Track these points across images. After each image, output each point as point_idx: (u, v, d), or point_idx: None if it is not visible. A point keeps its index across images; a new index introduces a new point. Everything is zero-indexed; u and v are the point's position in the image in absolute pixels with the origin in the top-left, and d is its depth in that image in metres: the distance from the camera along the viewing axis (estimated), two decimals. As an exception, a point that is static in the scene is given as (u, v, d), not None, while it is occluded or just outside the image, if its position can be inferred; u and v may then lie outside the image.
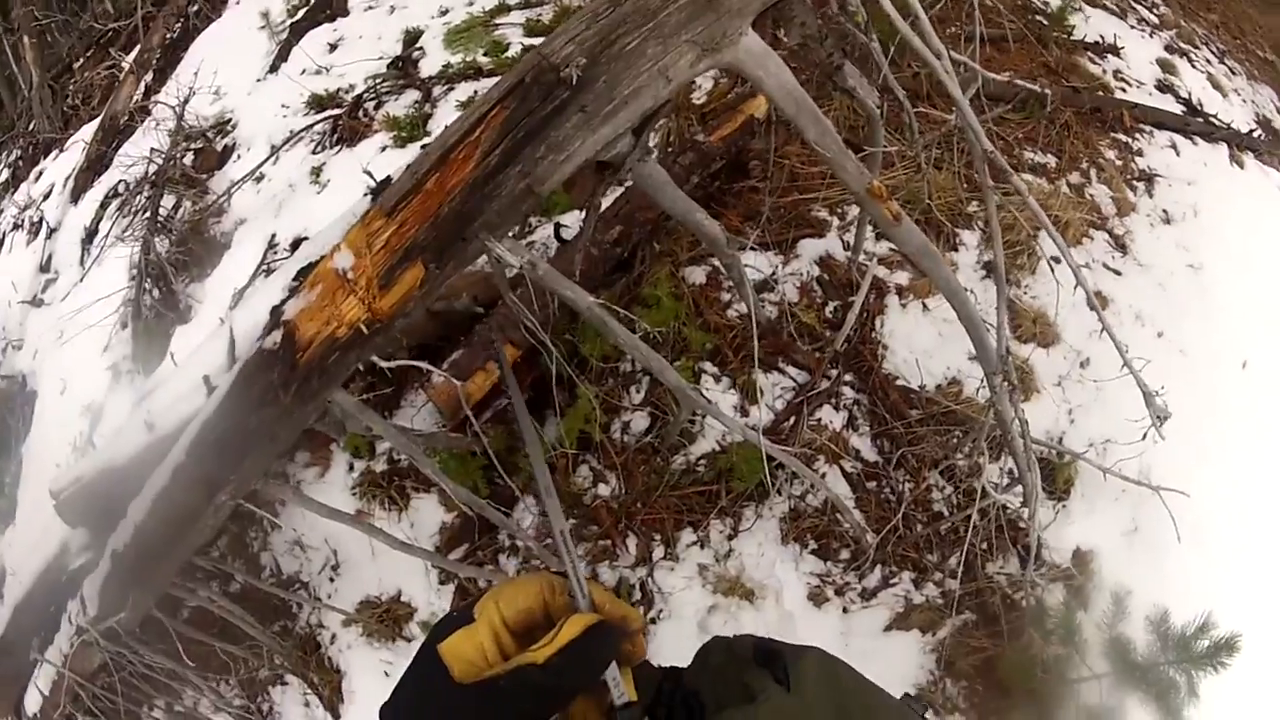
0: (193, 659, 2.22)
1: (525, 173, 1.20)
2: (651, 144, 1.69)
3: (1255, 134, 3.73)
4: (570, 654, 0.50)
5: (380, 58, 3.23)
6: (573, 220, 2.17)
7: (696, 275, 2.19)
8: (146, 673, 2.24)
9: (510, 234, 1.38)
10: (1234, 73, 4.36)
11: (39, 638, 2.32)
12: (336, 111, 2.90)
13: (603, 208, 2.15)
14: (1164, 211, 3.14)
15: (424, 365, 1.66)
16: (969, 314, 1.81)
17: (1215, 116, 3.57)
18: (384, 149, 2.67)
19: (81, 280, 3.54)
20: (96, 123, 3.81)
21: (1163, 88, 3.59)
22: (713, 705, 0.55)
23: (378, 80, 3.03)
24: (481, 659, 0.51)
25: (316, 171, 2.76)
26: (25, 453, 3.66)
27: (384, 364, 1.57)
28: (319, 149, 2.85)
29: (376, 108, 2.89)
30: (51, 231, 3.94)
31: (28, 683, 2.36)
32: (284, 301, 2.00)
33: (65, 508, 2.40)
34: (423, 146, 2.36)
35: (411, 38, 3.31)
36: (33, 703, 2.37)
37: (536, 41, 2.22)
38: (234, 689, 2.60)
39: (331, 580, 2.45)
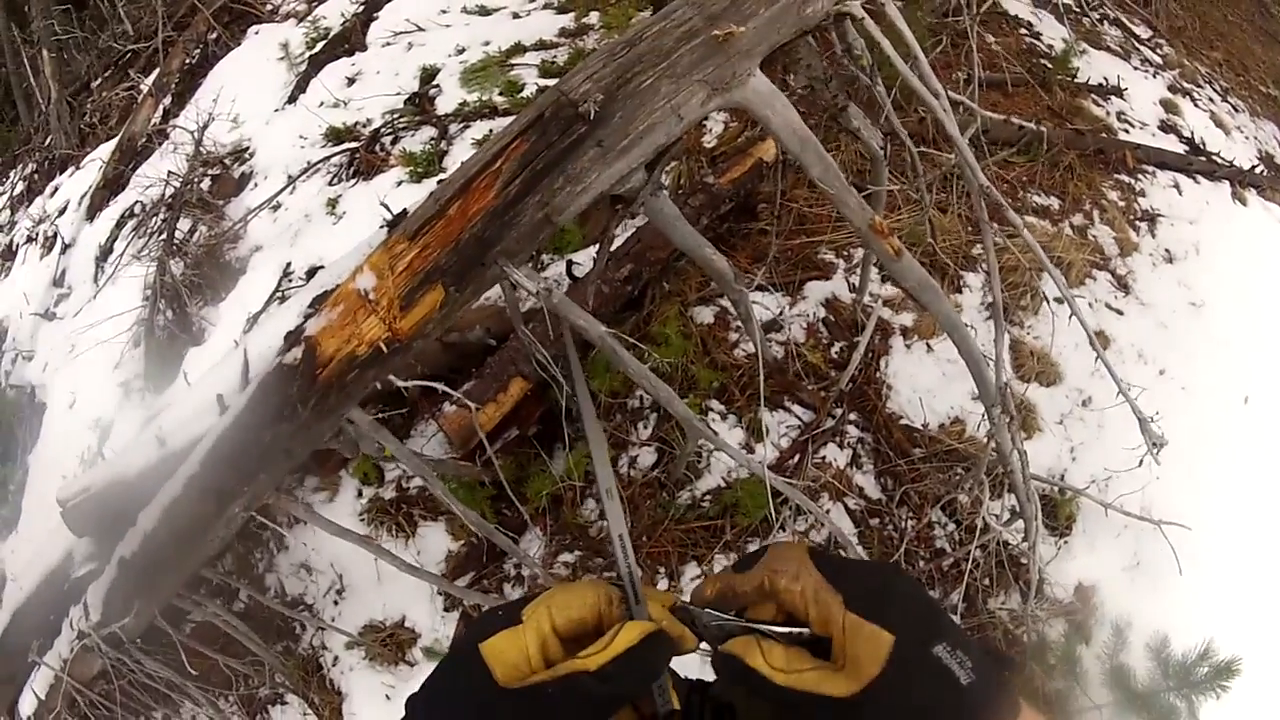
0: (194, 672, 2.22)
1: (543, 202, 1.24)
2: (664, 181, 1.73)
3: (1258, 170, 3.78)
4: (625, 662, 0.48)
5: (397, 93, 3.30)
6: (585, 258, 2.21)
7: (705, 315, 2.23)
8: (146, 682, 2.24)
9: (526, 263, 1.42)
10: (1237, 110, 4.42)
11: (38, 642, 2.32)
12: (354, 145, 2.95)
13: (615, 244, 2.19)
14: (1166, 250, 3.19)
15: (440, 385, 1.69)
16: (969, 348, 1.84)
17: (1218, 155, 3.62)
18: (400, 183, 2.71)
19: (95, 297, 3.58)
20: (114, 142, 3.87)
21: (1165, 128, 3.65)
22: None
23: (395, 115, 3.09)
24: (525, 664, 0.49)
25: (333, 203, 2.80)
26: (31, 462, 3.68)
27: (400, 383, 1.60)
28: (335, 181, 2.89)
29: (393, 143, 2.94)
30: (66, 247, 3.98)
31: (23, 686, 2.36)
32: (304, 322, 2.03)
33: (72, 516, 2.42)
34: (439, 182, 2.40)
35: (428, 75, 3.38)
36: (27, 706, 2.37)
37: (551, 82, 2.27)
38: (233, 705, 2.60)
39: (336, 603, 2.47)
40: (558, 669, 0.47)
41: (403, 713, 0.51)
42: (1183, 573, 2.28)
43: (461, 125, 2.86)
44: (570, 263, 2.14)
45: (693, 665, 0.57)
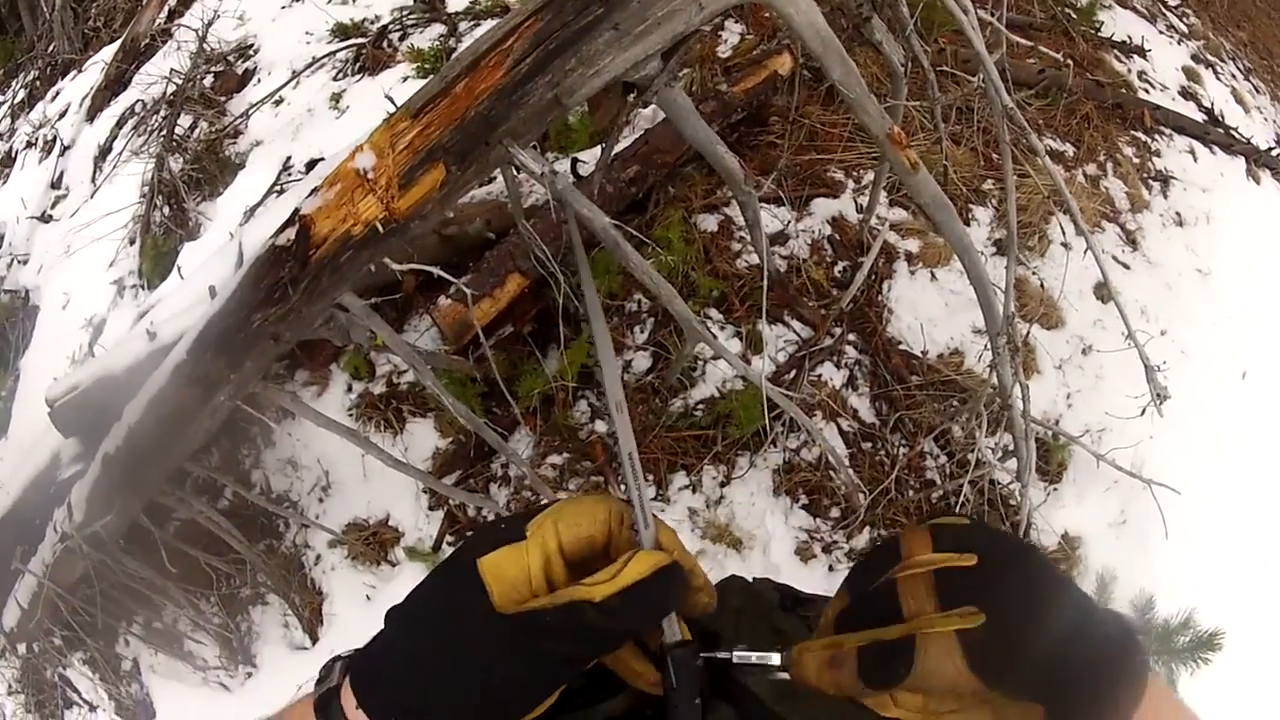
0: (175, 571, 2.21)
1: (554, 83, 1.20)
2: (679, 74, 1.69)
3: (1274, 152, 3.74)
4: (632, 596, 0.43)
5: (408, -11, 3.17)
6: (592, 159, 2.16)
7: (709, 223, 2.20)
8: (128, 584, 2.23)
9: (531, 148, 1.39)
10: (1258, 91, 4.37)
11: (22, 548, 2.30)
12: (360, 41, 2.89)
13: (622, 145, 2.15)
14: (1177, 214, 3.16)
15: (436, 270, 1.66)
16: (978, 273, 1.81)
17: (1236, 130, 3.58)
18: (406, 79, 2.67)
19: (92, 197, 3.53)
20: (117, 44, 3.80)
21: (1186, 94, 3.60)
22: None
23: (404, 12, 3.02)
24: (525, 585, 0.44)
25: (336, 97, 2.76)
26: (23, 367, 3.66)
27: (396, 266, 1.58)
28: (340, 76, 2.84)
29: (401, 39, 2.89)
30: (65, 149, 3.92)
31: (8, 596, 2.35)
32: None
33: (60, 416, 2.40)
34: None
35: (441, -29, 3.26)
36: (10, 616, 2.36)
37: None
38: (214, 606, 2.60)
39: (321, 500, 2.45)
40: (558, 595, 0.43)
41: (381, 624, 0.47)
42: (1169, 537, 2.28)
43: (472, 23, 2.80)
44: (575, 160, 2.10)
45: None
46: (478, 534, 0.47)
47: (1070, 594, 0.43)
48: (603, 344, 0.61)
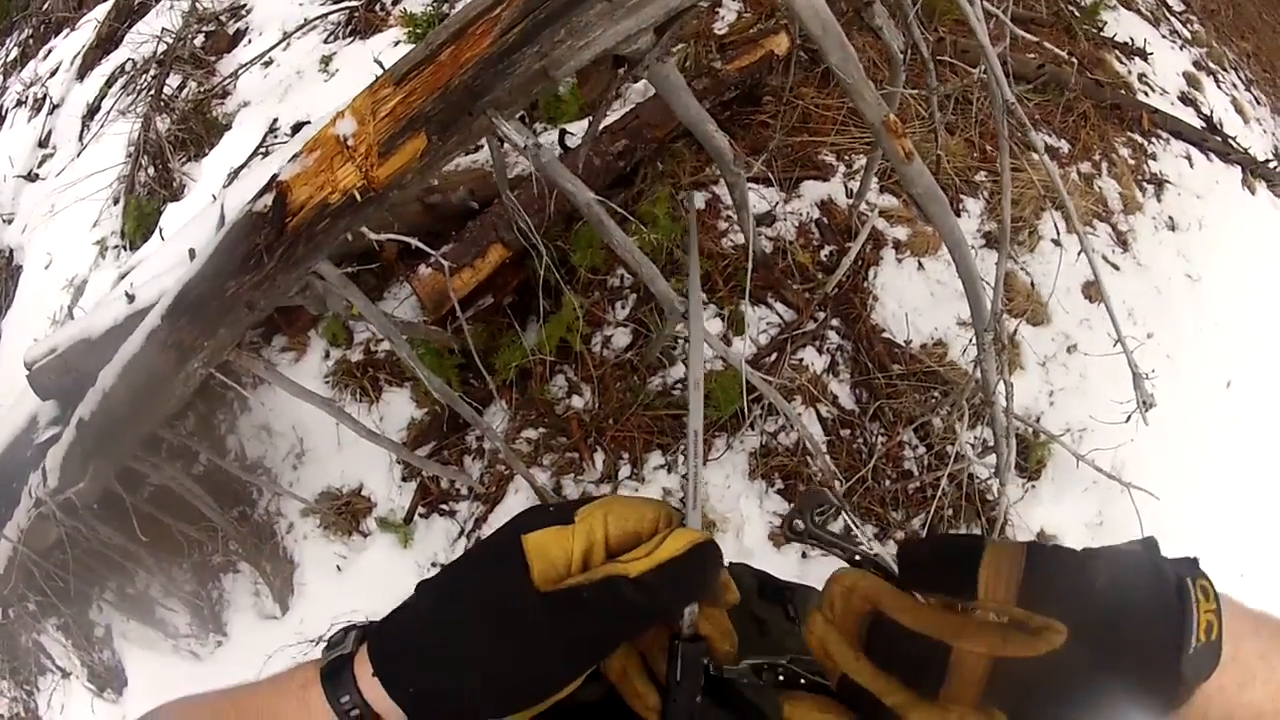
0: (148, 538, 2.18)
1: (542, 54, 1.17)
2: (672, 50, 1.67)
3: (1271, 164, 3.73)
4: (668, 572, 0.43)
5: (405, -48, 3.10)
6: (580, 130, 2.14)
7: (696, 200, 2.17)
8: (101, 550, 2.21)
9: (517, 120, 1.36)
10: (1259, 102, 4.36)
11: None
12: (354, 3, 2.84)
13: (611, 118, 2.12)
14: (1170, 218, 3.14)
15: (414, 241, 1.64)
16: (968, 266, 1.79)
17: (1234, 139, 3.57)
18: (397, 43, 2.63)
19: (78, 156, 3.49)
20: (111, 2, 3.75)
21: (1185, 100, 3.59)
22: None
23: (398, -26, 2.96)
24: (565, 566, 0.44)
25: (326, 60, 2.72)
26: (4, 327, 3.62)
27: (373, 235, 1.55)
28: (331, 39, 2.80)
29: (394, 3, 2.84)
30: (55, 107, 3.88)
31: None
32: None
33: (38, 379, 2.37)
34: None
35: (437, -65, 3.20)
36: None
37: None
38: (186, 573, 2.58)
39: (295, 468, 2.43)
40: (594, 572, 0.43)
41: (412, 592, 0.47)
42: None
43: (468, -10, 2.74)
44: (564, 131, 2.07)
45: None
46: (526, 514, 0.47)
47: None
48: (696, 323, 0.64)
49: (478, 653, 0.42)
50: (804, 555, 2.21)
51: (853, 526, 0.49)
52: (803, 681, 0.50)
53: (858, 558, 0.48)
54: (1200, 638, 0.38)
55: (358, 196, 1.28)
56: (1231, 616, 0.40)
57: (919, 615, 0.41)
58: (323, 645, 0.47)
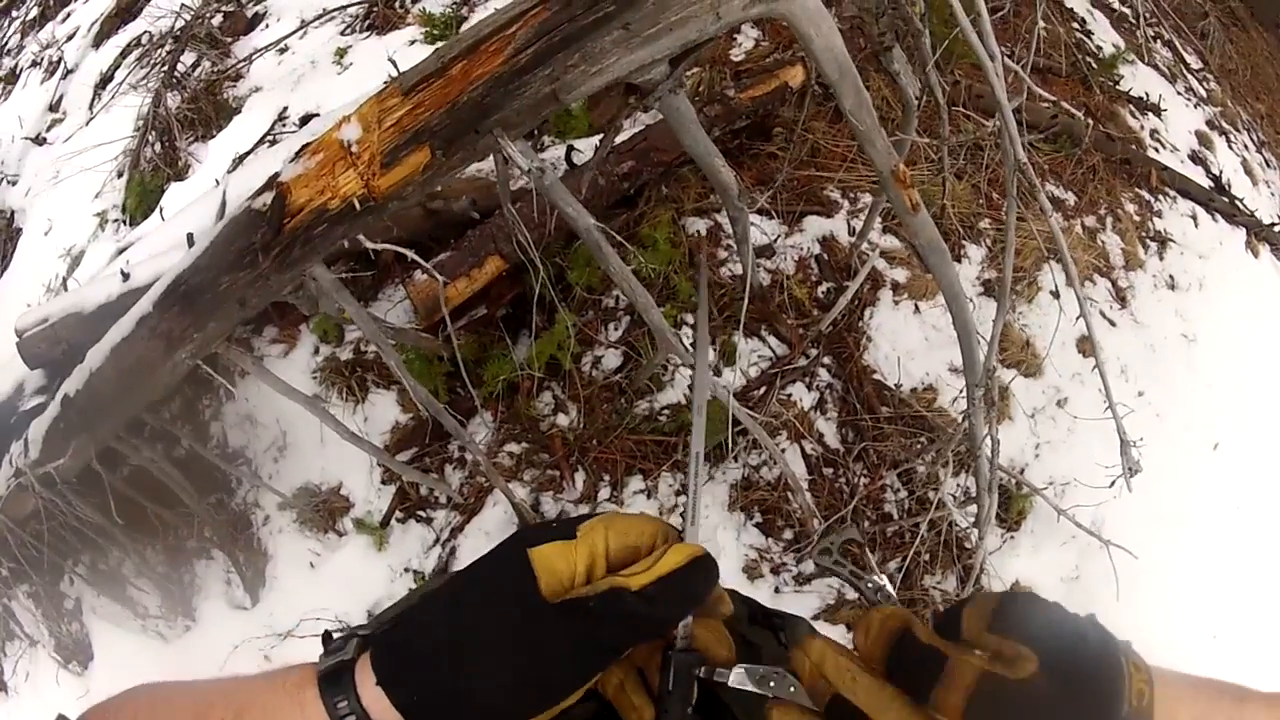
0: (124, 518, 2.18)
1: (553, 77, 1.17)
2: (684, 81, 1.66)
3: (1277, 228, 3.74)
4: (669, 584, 0.45)
5: (430, -51, 3.09)
6: (588, 147, 2.13)
7: (698, 226, 2.17)
8: (76, 525, 2.21)
9: (523, 138, 1.35)
10: (1269, 165, 4.36)
11: None
12: (374, -2, 2.85)
13: (621, 138, 2.12)
14: (1170, 277, 3.15)
15: (409, 253, 1.63)
16: (965, 320, 1.79)
17: (1241, 200, 3.57)
18: (413, 42, 2.62)
19: (87, 124, 3.48)
20: (134, -29, 3.74)
21: (1195, 159, 3.59)
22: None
23: (420, -27, 2.95)
24: (570, 579, 0.46)
25: (341, 53, 2.71)
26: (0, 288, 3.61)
27: (370, 245, 1.54)
28: (348, 31, 2.79)
29: (414, 1, 2.84)
30: (68, 72, 3.87)
31: None
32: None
33: (27, 347, 2.37)
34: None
35: (461, -66, 3.19)
36: None
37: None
38: (159, 555, 2.57)
39: (276, 460, 2.42)
40: (598, 584, 0.45)
41: (404, 602, 0.50)
42: (1120, 599, 2.27)
43: (489, -7, 2.75)
44: (571, 148, 2.07)
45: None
46: (529, 529, 0.49)
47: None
48: (702, 350, 0.71)
49: (490, 663, 0.44)
50: (776, 590, 2.21)
51: (871, 564, 0.54)
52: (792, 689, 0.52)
53: (869, 587, 0.52)
54: (1132, 703, 0.40)
55: (357, 205, 1.27)
56: (1165, 684, 0.42)
57: (933, 636, 0.45)
58: (320, 649, 0.48)
